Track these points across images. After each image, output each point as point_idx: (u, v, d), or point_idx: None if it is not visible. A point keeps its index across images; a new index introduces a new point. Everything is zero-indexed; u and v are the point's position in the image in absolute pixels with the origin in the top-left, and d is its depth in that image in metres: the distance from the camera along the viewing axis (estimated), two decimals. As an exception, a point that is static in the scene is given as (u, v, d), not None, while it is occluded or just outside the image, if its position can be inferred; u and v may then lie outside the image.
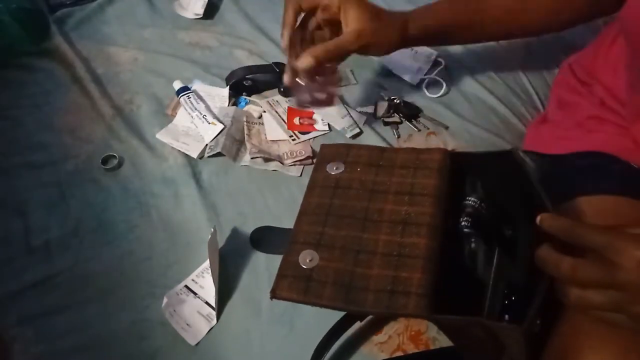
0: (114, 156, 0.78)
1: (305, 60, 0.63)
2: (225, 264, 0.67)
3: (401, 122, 0.84)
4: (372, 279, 0.52)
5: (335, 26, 0.67)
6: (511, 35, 0.77)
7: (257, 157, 0.77)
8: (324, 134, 0.82)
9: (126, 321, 0.62)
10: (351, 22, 0.64)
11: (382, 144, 0.80)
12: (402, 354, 0.59)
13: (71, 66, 0.91)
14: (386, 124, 0.84)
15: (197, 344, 0.61)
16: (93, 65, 0.92)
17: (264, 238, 0.69)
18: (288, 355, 0.60)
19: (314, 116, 0.84)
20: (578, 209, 0.61)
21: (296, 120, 0.83)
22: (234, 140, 0.79)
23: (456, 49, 0.97)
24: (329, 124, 0.83)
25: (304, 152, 0.78)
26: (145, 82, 0.90)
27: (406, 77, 0.90)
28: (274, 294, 0.54)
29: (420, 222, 0.56)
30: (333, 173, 0.63)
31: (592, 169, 0.65)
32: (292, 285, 0.53)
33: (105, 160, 0.78)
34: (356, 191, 0.61)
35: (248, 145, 0.78)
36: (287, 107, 0.84)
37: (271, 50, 0.96)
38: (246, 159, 0.78)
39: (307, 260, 0.55)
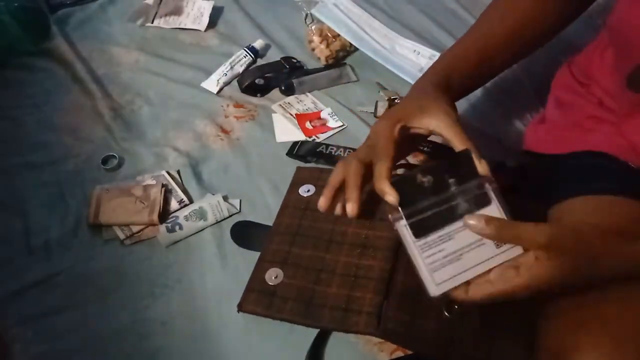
0: (114, 156, 0.78)
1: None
2: (225, 263, 0.67)
3: (401, 122, 0.84)
4: (330, 297, 0.57)
5: None
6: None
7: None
8: (341, 130, 0.83)
9: (126, 321, 0.62)
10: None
11: (382, 144, 0.80)
12: (402, 354, 0.59)
13: (71, 66, 0.91)
14: (386, 124, 0.84)
15: (197, 344, 0.61)
16: (94, 66, 0.92)
17: (244, 233, 0.70)
18: (288, 355, 0.60)
19: (322, 115, 0.84)
20: (576, 208, 0.61)
21: (308, 125, 0.83)
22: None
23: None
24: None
25: None
26: (146, 83, 0.90)
27: (407, 78, 0.90)
28: (240, 308, 0.58)
29: (377, 245, 0.60)
30: (305, 195, 0.68)
31: (590, 168, 0.65)
32: (257, 300, 0.58)
33: (105, 160, 0.78)
34: (324, 213, 0.64)
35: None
36: (295, 114, 0.84)
37: (271, 50, 0.96)
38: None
39: (273, 277, 0.60)
